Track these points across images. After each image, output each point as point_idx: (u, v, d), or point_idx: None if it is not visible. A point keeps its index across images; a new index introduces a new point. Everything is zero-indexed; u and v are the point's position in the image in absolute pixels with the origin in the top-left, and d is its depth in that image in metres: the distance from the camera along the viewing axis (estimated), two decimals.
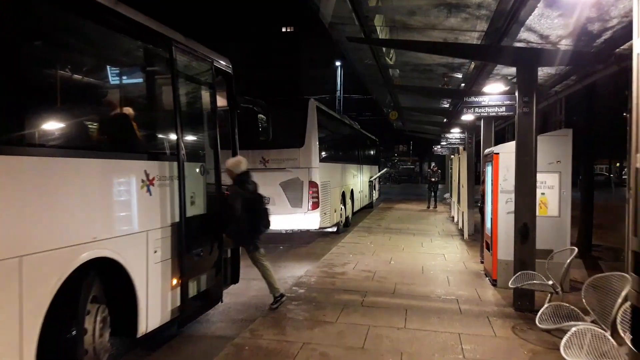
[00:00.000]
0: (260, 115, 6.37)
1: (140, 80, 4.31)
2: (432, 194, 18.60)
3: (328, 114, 11.97)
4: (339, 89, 37.76)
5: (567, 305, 4.05)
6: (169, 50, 4.33)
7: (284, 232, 10.21)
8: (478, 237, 11.16)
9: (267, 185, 9.96)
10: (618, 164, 48.25)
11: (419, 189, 38.08)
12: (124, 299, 3.84)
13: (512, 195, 6.66)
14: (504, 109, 5.75)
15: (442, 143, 15.72)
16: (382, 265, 8.05)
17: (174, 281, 4.40)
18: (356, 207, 15.20)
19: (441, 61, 7.63)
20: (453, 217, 14.76)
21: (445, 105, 12.91)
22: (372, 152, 20.76)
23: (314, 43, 46.64)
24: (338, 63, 42.11)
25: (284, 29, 56.70)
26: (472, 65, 8.10)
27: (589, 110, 9.16)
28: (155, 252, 4.15)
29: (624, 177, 49.26)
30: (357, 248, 9.65)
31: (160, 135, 4.49)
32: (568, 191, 6.54)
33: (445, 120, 15.87)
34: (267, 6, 45.89)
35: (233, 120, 5.83)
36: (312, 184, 9.77)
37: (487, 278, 7.19)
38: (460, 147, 12.97)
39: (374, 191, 19.48)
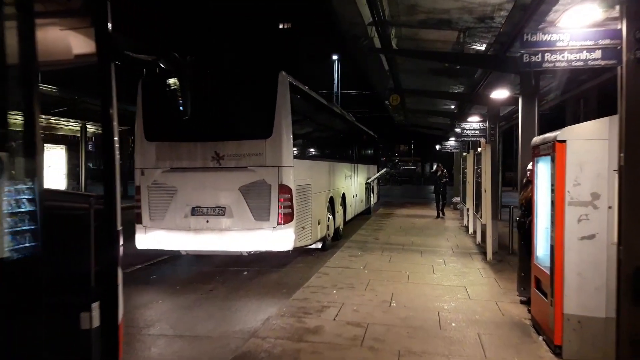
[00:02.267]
0: (171, 80, 3.66)
1: None
2: (440, 198, 15.68)
3: (308, 95, 9.11)
4: (336, 83, 35.33)
5: None
6: None
7: (245, 254, 7.56)
8: (504, 256, 8.62)
9: (222, 190, 7.29)
10: None
11: (422, 190, 35.57)
12: None
13: (590, 210, 4.13)
14: (598, 54, 3.16)
15: (452, 137, 13.02)
16: (378, 310, 5.45)
17: None
18: (349, 215, 12.55)
19: (465, 3, 5.05)
20: (467, 227, 12.17)
21: (460, 89, 10.33)
22: (369, 150, 17.93)
23: (311, 40, 44.81)
24: (335, 57, 39.88)
25: (281, 26, 54.53)
26: (509, 11, 5.53)
27: None
28: None
29: None
30: (345, 277, 7.03)
31: None
32: None
33: (455, 111, 13.31)
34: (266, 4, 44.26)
35: (106, 80, 3.19)
36: (284, 189, 7.12)
37: (541, 338, 4.61)
38: (482, 140, 10.27)
39: (371, 195, 16.74)
